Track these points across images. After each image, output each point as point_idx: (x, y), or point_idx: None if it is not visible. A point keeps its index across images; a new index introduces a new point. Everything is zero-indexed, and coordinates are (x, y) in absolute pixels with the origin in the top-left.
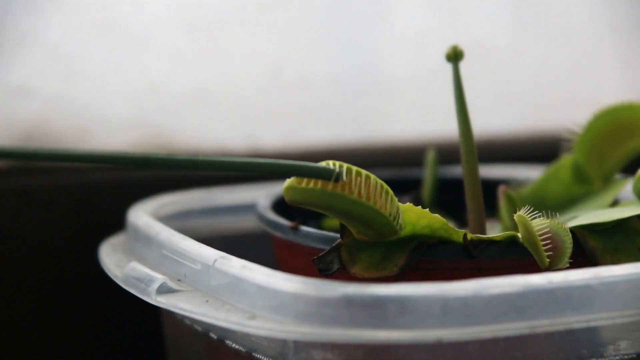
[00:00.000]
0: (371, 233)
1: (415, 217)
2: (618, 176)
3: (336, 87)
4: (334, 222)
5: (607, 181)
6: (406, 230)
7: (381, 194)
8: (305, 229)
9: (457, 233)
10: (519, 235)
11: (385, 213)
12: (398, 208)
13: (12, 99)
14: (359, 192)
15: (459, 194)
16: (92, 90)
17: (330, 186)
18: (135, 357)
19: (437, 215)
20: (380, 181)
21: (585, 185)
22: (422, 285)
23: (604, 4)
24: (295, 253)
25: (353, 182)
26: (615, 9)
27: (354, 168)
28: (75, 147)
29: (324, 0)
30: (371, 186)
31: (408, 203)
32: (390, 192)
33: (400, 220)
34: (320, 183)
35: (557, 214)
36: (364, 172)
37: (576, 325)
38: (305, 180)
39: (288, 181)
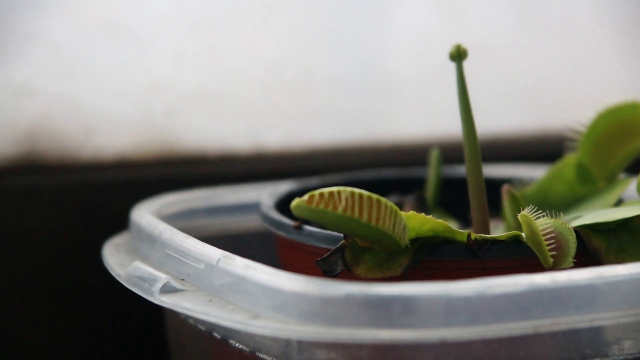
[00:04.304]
0: (377, 246)
1: (418, 223)
2: (622, 175)
3: (339, 87)
4: None
5: (611, 180)
6: (410, 235)
7: (390, 217)
8: (308, 228)
9: (461, 233)
10: (523, 234)
11: (393, 235)
12: (405, 226)
13: (16, 98)
14: (369, 216)
15: (462, 193)
16: (95, 89)
17: (340, 209)
18: (138, 357)
19: (440, 220)
20: (390, 203)
21: (589, 184)
22: (426, 284)
23: (607, 1)
24: (298, 252)
25: (364, 206)
26: (618, 7)
27: (365, 193)
28: (79, 147)
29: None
30: (381, 209)
31: (411, 211)
32: (399, 212)
33: (406, 236)
34: (331, 205)
35: (561, 213)
36: (375, 196)
37: (580, 325)
38: (316, 198)
39: (298, 199)
